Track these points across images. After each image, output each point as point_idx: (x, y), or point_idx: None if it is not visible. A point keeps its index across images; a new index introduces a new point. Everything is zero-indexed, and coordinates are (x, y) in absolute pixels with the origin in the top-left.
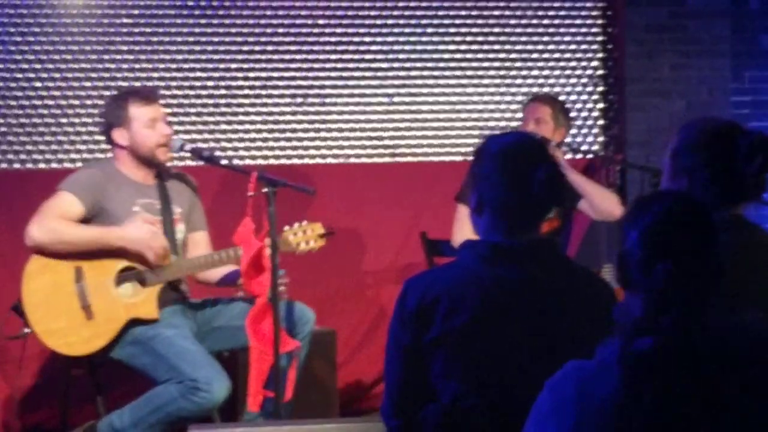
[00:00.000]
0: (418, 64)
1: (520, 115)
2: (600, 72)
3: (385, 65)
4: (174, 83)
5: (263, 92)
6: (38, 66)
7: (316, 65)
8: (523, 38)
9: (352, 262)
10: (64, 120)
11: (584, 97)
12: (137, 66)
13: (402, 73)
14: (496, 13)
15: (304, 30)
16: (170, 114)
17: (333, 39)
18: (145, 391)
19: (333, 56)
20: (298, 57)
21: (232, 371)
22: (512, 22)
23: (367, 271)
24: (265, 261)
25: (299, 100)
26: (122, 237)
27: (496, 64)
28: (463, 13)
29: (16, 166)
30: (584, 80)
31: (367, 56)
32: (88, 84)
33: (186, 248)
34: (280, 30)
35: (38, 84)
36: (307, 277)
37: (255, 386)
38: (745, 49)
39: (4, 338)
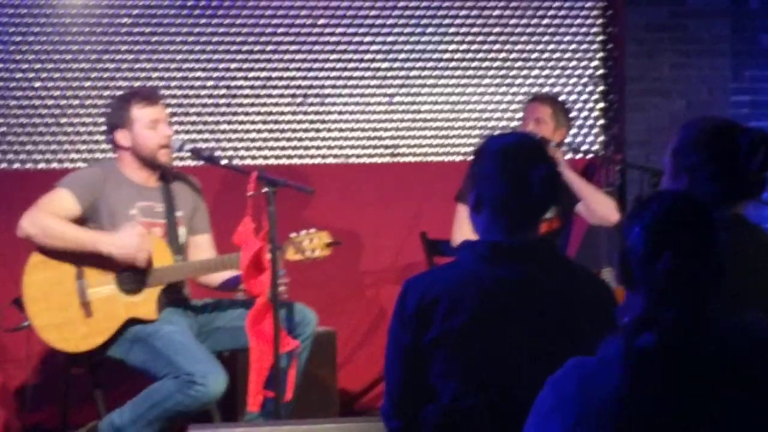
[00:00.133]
0: (418, 64)
1: (520, 115)
2: (600, 72)
3: (385, 65)
4: (174, 83)
5: (263, 92)
6: (38, 66)
7: (316, 65)
8: (523, 38)
9: (352, 262)
10: (64, 120)
11: (584, 96)
12: (137, 66)
13: (402, 73)
14: (496, 13)
15: (304, 30)
16: (170, 114)
17: (333, 39)
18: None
19: (333, 56)
20: (298, 57)
21: (232, 371)
22: (512, 22)
23: (367, 271)
24: (265, 261)
25: (299, 100)
26: (112, 243)
27: (496, 64)
28: (463, 13)
29: (16, 166)
30: (584, 80)
31: (367, 56)
32: (88, 84)
33: (187, 251)
34: (280, 30)
35: (38, 84)
36: (307, 277)
37: (255, 386)
38: (745, 49)
39: (3, 330)
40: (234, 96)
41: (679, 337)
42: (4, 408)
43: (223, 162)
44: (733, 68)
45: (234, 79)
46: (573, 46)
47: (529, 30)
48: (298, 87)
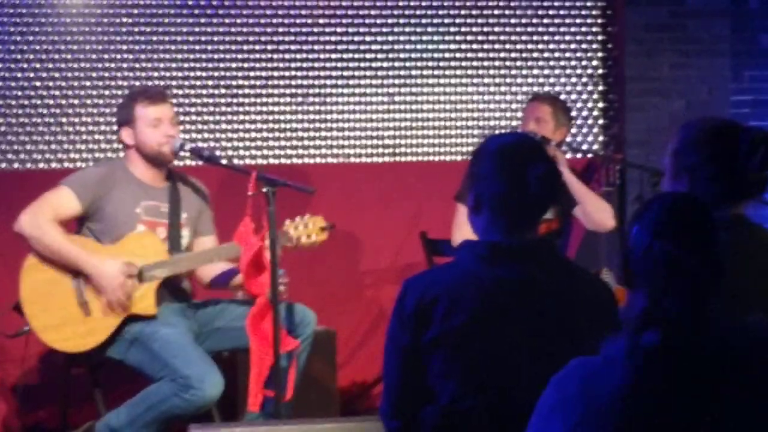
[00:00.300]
0: (418, 64)
1: (520, 114)
2: (600, 71)
3: (385, 65)
4: (174, 83)
5: (263, 92)
6: (38, 66)
7: (316, 65)
8: (523, 38)
9: (352, 261)
10: (64, 120)
11: (584, 96)
12: (137, 66)
13: (402, 73)
14: (497, 12)
15: (304, 30)
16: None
17: (333, 39)
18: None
19: (333, 56)
20: (298, 57)
21: (232, 371)
22: (512, 21)
23: (367, 271)
24: (265, 260)
25: (299, 100)
26: (96, 267)
27: (497, 63)
28: (464, 12)
29: (16, 166)
30: (584, 80)
31: (367, 56)
32: (88, 84)
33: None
34: (280, 30)
35: (38, 84)
36: (307, 277)
37: (255, 386)
38: (745, 49)
39: (4, 336)
40: (234, 96)
41: (680, 336)
42: (4, 408)
43: (223, 162)
44: (732, 68)
45: (234, 78)
46: (573, 46)
47: (529, 29)
48: (298, 87)
